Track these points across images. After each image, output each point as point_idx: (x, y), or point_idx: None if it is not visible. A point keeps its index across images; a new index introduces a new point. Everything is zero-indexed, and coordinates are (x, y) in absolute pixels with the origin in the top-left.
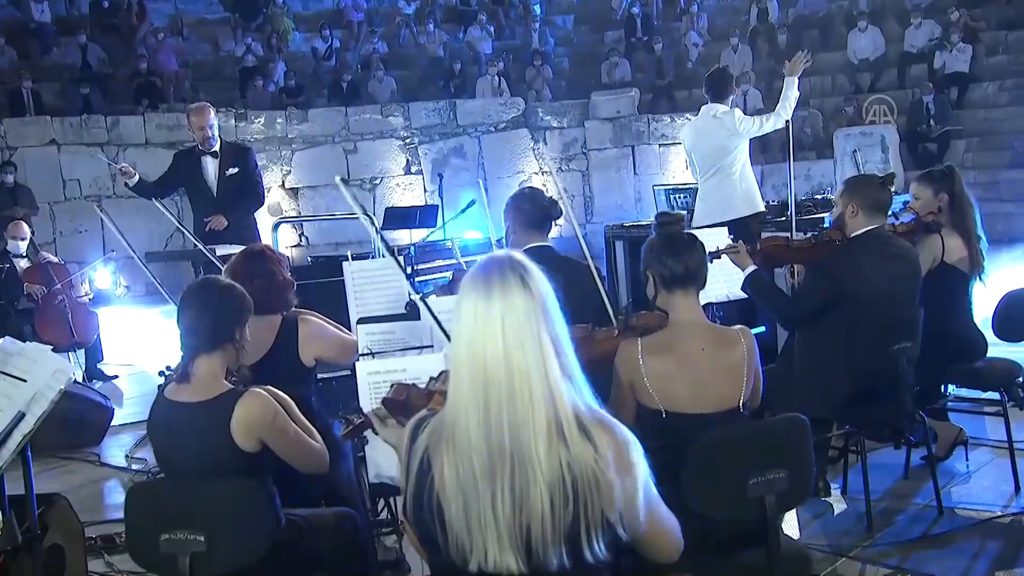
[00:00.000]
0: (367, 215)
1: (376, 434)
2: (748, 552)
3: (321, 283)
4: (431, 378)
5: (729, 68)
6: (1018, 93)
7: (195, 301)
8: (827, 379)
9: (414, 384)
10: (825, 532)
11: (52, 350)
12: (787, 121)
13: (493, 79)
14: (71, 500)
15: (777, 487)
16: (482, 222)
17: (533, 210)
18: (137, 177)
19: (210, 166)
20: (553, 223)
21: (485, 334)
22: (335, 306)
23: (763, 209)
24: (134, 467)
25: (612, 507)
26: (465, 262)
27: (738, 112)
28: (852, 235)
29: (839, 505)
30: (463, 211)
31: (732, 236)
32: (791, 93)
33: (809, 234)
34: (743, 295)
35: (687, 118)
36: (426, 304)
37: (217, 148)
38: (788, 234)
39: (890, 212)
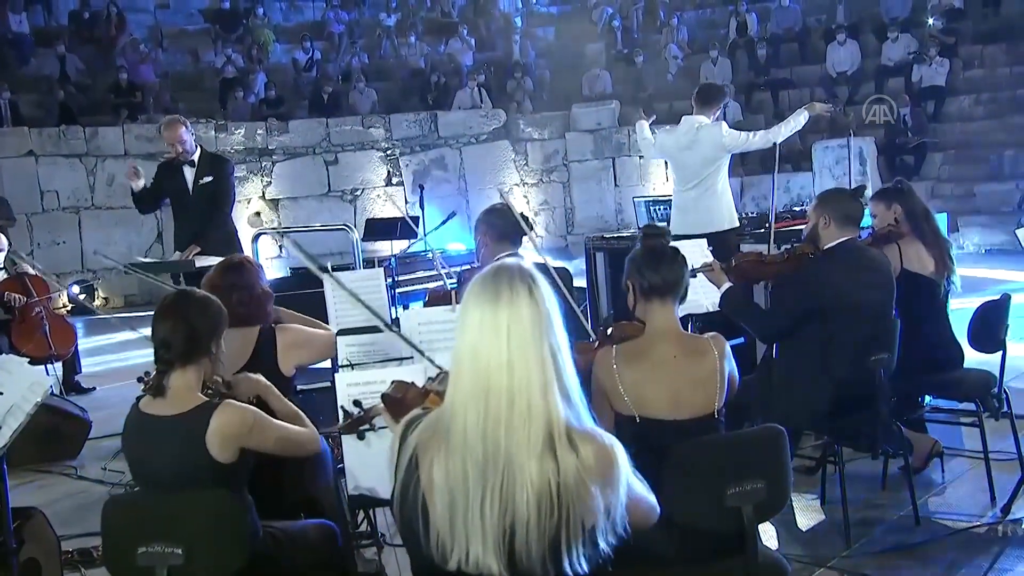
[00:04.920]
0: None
1: (374, 431)
2: (726, 562)
3: (301, 294)
4: (429, 378)
5: (725, 87)
6: (994, 107)
7: (170, 314)
8: (805, 390)
9: (413, 383)
10: (803, 542)
11: (29, 362)
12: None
13: (473, 91)
14: (47, 514)
15: (755, 497)
16: (463, 234)
17: (503, 223)
18: (142, 182)
19: (188, 175)
20: (523, 237)
21: (490, 342)
22: (315, 318)
23: (738, 224)
24: (111, 480)
25: (592, 517)
26: (446, 273)
27: (725, 126)
28: (825, 247)
29: (817, 515)
30: (444, 222)
31: (711, 248)
32: (795, 122)
33: (783, 248)
34: None
35: (666, 130)
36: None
37: (196, 158)
38: (762, 250)
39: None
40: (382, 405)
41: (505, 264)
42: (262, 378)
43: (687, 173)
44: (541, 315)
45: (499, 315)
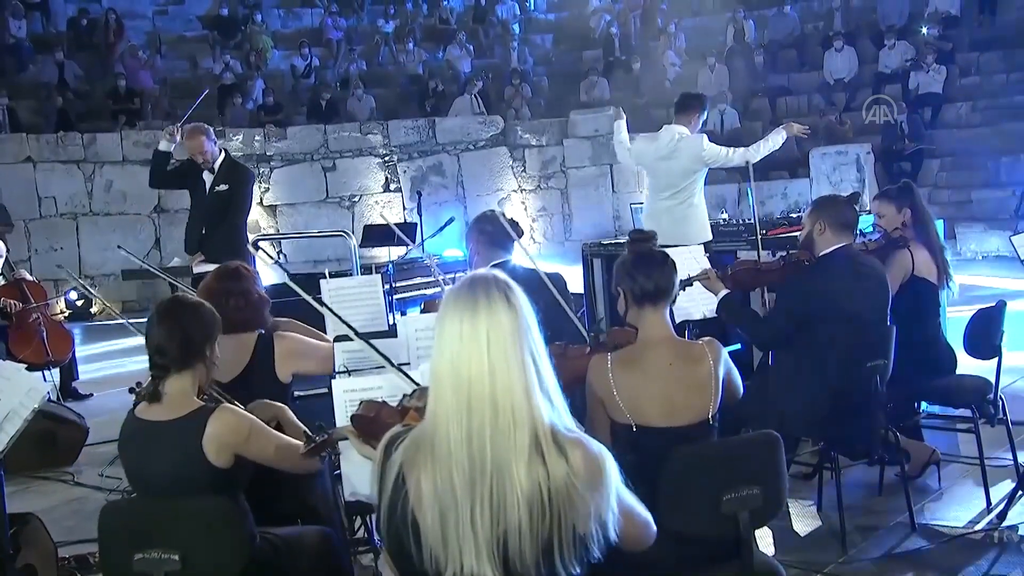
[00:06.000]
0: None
1: (335, 457)
2: (722, 568)
3: (297, 301)
4: (404, 395)
5: (705, 96)
6: (990, 114)
7: (164, 320)
8: (801, 397)
9: (384, 402)
10: (799, 548)
11: (26, 368)
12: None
13: (472, 99)
14: (44, 520)
15: (751, 504)
16: (461, 240)
17: (495, 231)
18: (172, 145)
19: (207, 181)
20: (515, 242)
21: (471, 350)
22: (312, 324)
23: (711, 237)
24: (108, 486)
25: (584, 523)
26: (443, 279)
27: (705, 139)
28: (821, 254)
29: (813, 521)
30: (442, 229)
31: (708, 255)
32: (772, 142)
33: (778, 255)
34: None
35: (645, 138)
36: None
37: (217, 164)
38: (757, 257)
39: (859, 231)
40: (350, 426)
41: (479, 274)
42: (278, 403)
43: (662, 182)
44: (519, 321)
45: (478, 324)
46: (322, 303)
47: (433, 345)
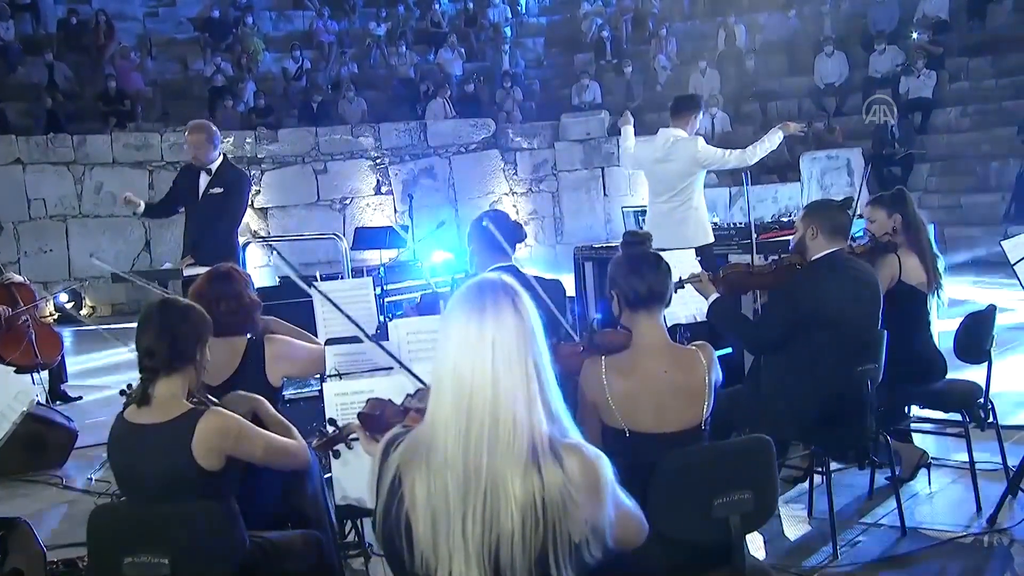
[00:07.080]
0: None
1: (349, 448)
2: (713, 573)
3: (289, 304)
4: (407, 395)
5: (699, 96)
6: (980, 118)
7: (153, 323)
8: (793, 400)
9: (390, 400)
10: (790, 552)
11: (15, 371)
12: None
13: (444, 103)
14: (33, 524)
15: (742, 508)
16: (452, 243)
17: (497, 232)
18: (143, 205)
19: (202, 182)
20: (517, 245)
21: (474, 355)
22: (303, 327)
23: (713, 240)
24: (97, 490)
25: (579, 531)
26: (435, 282)
27: (701, 141)
28: (813, 258)
29: (804, 525)
30: (433, 232)
31: (699, 258)
32: (769, 142)
33: (770, 259)
34: None
35: (643, 141)
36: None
37: (214, 166)
38: (749, 261)
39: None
40: (357, 423)
41: (488, 279)
42: (254, 395)
43: (661, 186)
44: (525, 329)
45: (484, 329)
46: (330, 301)
47: (437, 347)
